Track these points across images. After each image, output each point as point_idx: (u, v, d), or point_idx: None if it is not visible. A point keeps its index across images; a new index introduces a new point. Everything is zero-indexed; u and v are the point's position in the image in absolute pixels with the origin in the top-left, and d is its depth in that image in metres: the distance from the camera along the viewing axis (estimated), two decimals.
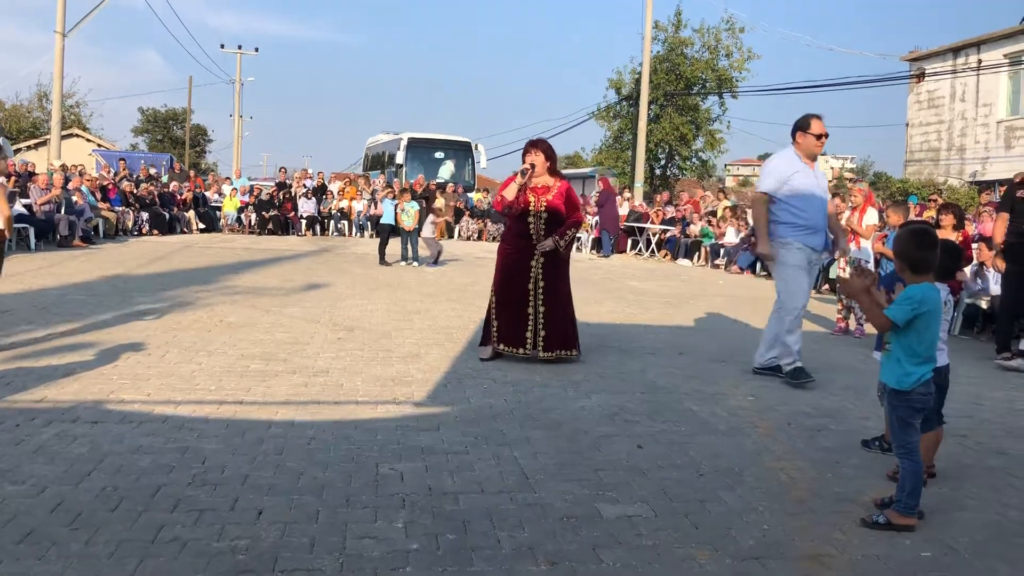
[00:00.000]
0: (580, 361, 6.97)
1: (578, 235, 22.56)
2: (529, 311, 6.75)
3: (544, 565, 3.16)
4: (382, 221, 15.98)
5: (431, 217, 16.10)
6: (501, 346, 6.79)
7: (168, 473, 3.95)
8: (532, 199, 6.78)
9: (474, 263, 16.33)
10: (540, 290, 6.74)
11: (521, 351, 6.75)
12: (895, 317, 3.73)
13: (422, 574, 3.05)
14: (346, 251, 18.24)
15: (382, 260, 15.13)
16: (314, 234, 22.99)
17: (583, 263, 17.99)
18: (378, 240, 15.88)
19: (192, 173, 27.42)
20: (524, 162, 6.86)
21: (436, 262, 15.39)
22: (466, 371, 6.46)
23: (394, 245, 15.80)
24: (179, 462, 4.10)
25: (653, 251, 20.82)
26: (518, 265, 6.77)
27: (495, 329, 6.83)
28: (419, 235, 15.51)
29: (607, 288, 13.12)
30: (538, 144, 6.90)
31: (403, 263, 15.33)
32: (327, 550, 3.21)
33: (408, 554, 3.21)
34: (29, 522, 3.35)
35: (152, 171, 24.26)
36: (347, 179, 27.16)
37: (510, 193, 6.75)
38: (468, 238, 23.75)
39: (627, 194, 24.93)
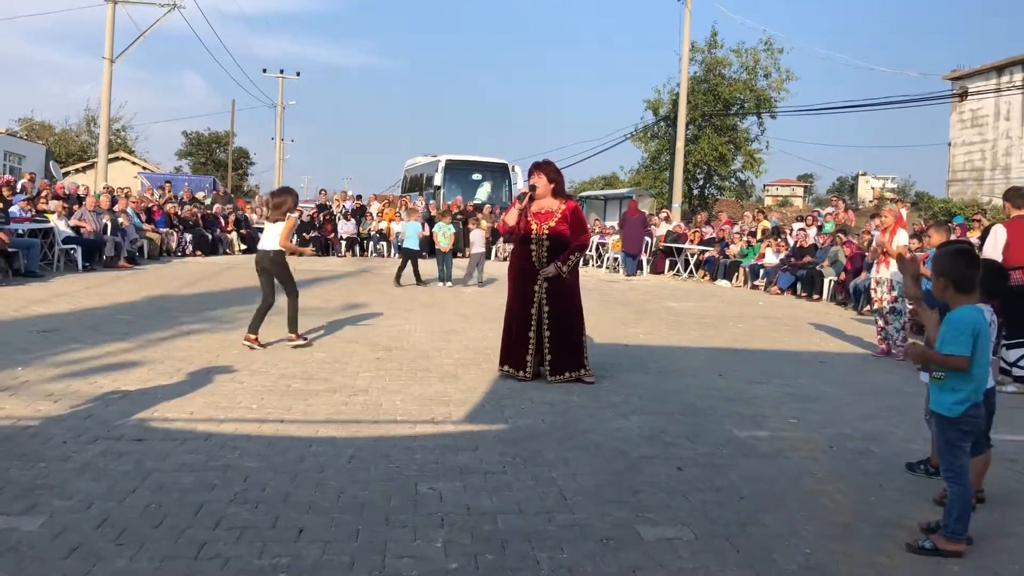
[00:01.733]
0: (609, 379, 6.95)
1: (603, 253, 22.49)
2: (530, 335, 6.72)
3: None
4: (405, 245, 15.86)
5: (480, 235, 16.13)
6: (505, 367, 6.81)
7: (211, 491, 4.00)
8: (534, 225, 6.72)
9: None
10: (545, 315, 6.70)
11: (521, 374, 6.74)
12: (963, 352, 3.62)
13: None
14: (385, 272, 18.37)
15: (418, 279, 15.18)
16: (353, 255, 23.19)
17: (619, 283, 17.93)
18: (410, 262, 15.60)
19: (257, 198, 27.84)
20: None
21: (482, 282, 15.36)
22: (504, 391, 6.46)
23: (428, 266, 15.84)
24: (221, 480, 4.15)
25: (692, 271, 20.70)
26: (521, 290, 6.77)
27: (501, 351, 6.90)
28: (463, 255, 15.58)
29: (644, 309, 13.06)
30: (541, 166, 6.84)
31: (440, 284, 15.35)
32: (367, 568, 3.22)
33: (447, 573, 3.21)
34: (75, 538, 3.41)
35: (200, 195, 24.70)
36: (386, 201, 27.40)
37: (511, 218, 6.73)
38: (505, 259, 23.78)
39: (664, 213, 24.83)
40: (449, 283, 15.51)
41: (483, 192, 28.29)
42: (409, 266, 15.28)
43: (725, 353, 9.00)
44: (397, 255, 21.51)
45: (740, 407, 6.29)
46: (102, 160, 27.38)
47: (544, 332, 6.69)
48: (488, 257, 23.32)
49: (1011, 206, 7.96)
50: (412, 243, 15.63)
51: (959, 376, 3.67)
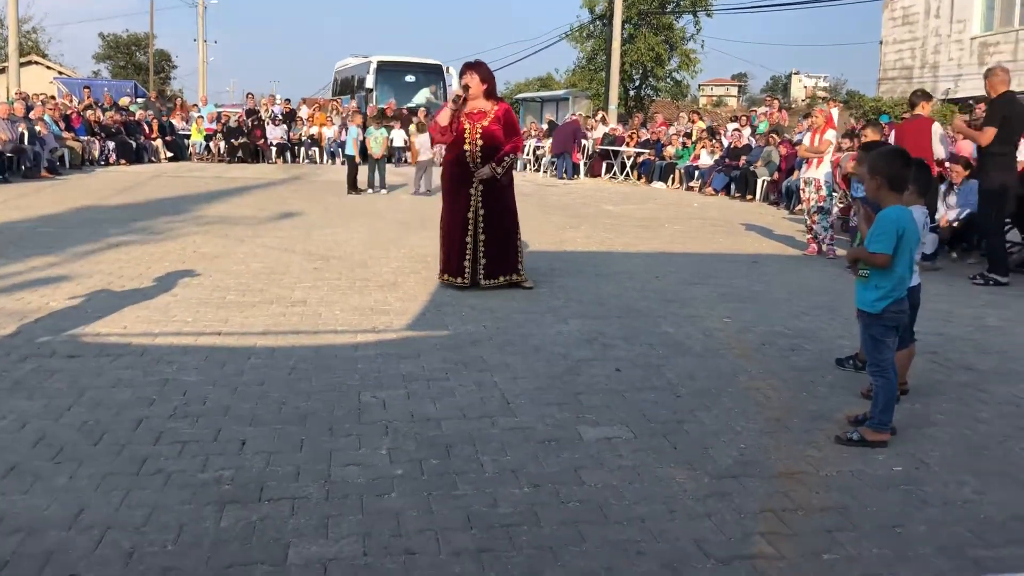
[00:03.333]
0: (548, 284, 7.01)
1: (540, 157, 22.37)
2: (468, 240, 6.65)
3: (527, 487, 3.21)
4: (345, 152, 15.51)
5: (426, 140, 15.62)
6: (445, 276, 6.76)
7: (149, 406, 3.95)
8: (468, 126, 6.57)
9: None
10: (480, 219, 6.63)
11: (460, 280, 6.68)
12: (885, 250, 3.72)
13: (407, 499, 3.09)
14: (318, 179, 18.01)
15: (351, 190, 14.91)
16: (285, 162, 22.62)
17: (556, 187, 17.91)
18: (347, 168, 15.41)
19: (179, 102, 26.73)
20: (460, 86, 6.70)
21: (428, 192, 14.97)
22: (444, 299, 6.46)
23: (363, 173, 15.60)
24: (159, 395, 4.10)
25: (628, 174, 20.74)
26: (455, 194, 6.67)
27: (440, 260, 6.84)
28: (408, 162, 15.20)
29: (582, 213, 13.09)
30: (474, 67, 6.65)
31: (370, 191, 15.13)
32: (312, 478, 3.24)
33: (393, 480, 3.25)
34: (11, 457, 3.35)
35: (125, 101, 23.63)
36: (316, 105, 26.62)
37: (444, 118, 6.57)
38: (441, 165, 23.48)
39: (600, 115, 24.65)
40: (383, 190, 15.27)
41: (418, 95, 27.66)
42: (350, 173, 15.04)
43: (661, 256, 9.11)
44: (344, 161, 21.22)
45: (675, 308, 6.40)
46: (13, 64, 25.91)
47: (479, 236, 6.64)
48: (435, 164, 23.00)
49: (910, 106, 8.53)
50: (349, 148, 15.31)
51: (881, 273, 3.78)
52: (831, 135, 9.54)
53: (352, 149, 15.25)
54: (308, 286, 6.78)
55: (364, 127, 16.70)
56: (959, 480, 3.43)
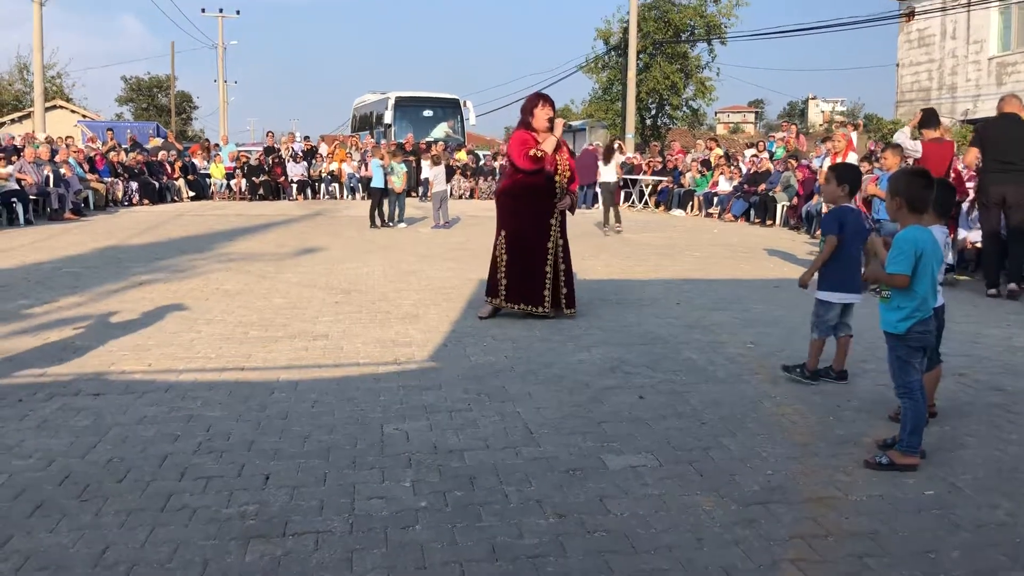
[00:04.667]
0: (578, 315, 7.00)
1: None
2: (547, 269, 6.78)
3: (552, 518, 3.19)
4: (372, 185, 15.76)
5: (440, 172, 15.75)
6: (519, 305, 6.80)
7: (173, 442, 3.96)
8: (558, 158, 6.81)
9: (467, 222, 16.29)
10: (559, 248, 6.82)
11: (540, 309, 6.79)
12: (903, 270, 3.71)
13: (431, 532, 3.07)
14: (339, 214, 18.16)
15: (373, 223, 15.05)
16: (305, 198, 22.85)
17: (574, 217, 17.95)
18: (370, 202, 15.66)
19: (204, 144, 27.07)
20: (534, 116, 6.76)
21: (447, 224, 15.23)
22: (465, 330, 6.47)
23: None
24: (184, 431, 4.12)
25: (646, 203, 20.76)
26: (537, 224, 6.77)
27: (503, 288, 6.83)
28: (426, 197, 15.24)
29: (602, 242, 13.10)
30: (548, 98, 6.90)
31: (390, 225, 15.26)
32: (336, 512, 3.23)
33: (417, 512, 3.23)
34: (38, 495, 3.37)
35: (157, 141, 24.03)
36: (336, 141, 26.93)
37: (550, 146, 6.72)
38: (460, 196, 23.62)
39: (616, 144, 24.71)
40: (403, 224, 15.38)
41: (439, 130, 27.92)
42: (376, 205, 15.24)
43: (682, 283, 9.09)
44: (365, 196, 21.35)
45: (698, 334, 6.37)
46: (38, 109, 26.45)
47: (560, 266, 6.84)
48: (450, 194, 23.12)
49: (926, 129, 8.88)
50: (376, 181, 15.48)
51: (903, 294, 3.75)
52: (852, 159, 9.53)
53: (380, 181, 15.42)
54: (330, 320, 6.81)
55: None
56: (992, 503, 3.37)
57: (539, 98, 6.87)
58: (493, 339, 6.13)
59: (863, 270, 4.28)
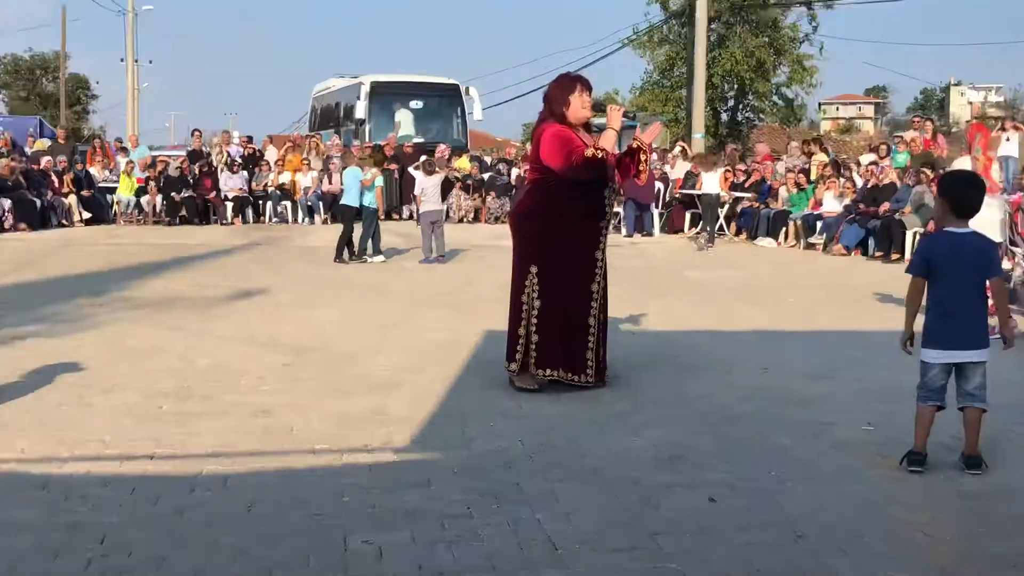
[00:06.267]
0: (613, 379, 7.07)
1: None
2: (591, 322, 6.83)
3: None
4: (343, 201, 15.85)
5: (433, 185, 15.86)
6: (556, 372, 6.80)
7: (54, 559, 3.97)
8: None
9: (471, 254, 16.41)
10: (603, 291, 6.94)
11: (583, 378, 6.80)
12: None
13: None
14: (290, 243, 18.31)
15: (339, 256, 15.21)
16: (245, 221, 23.03)
17: (620, 247, 18.03)
18: (341, 229, 15.68)
19: (99, 143, 27.40)
20: (570, 105, 6.81)
21: (441, 257, 15.33)
22: (465, 403, 6.48)
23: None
24: (67, 543, 4.12)
25: (722, 228, 20.84)
26: (583, 257, 6.85)
27: (535, 347, 6.83)
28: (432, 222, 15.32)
29: (657, 281, 13.15)
30: (587, 83, 6.98)
31: (364, 258, 15.36)
32: None
33: None
34: None
35: (42, 144, 24.37)
36: (288, 144, 27.20)
37: (610, 143, 6.81)
38: (461, 219, 23.79)
39: (679, 148, 24.87)
40: (380, 257, 15.47)
41: (402, 122, 27.92)
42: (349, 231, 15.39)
43: (770, 338, 9.09)
44: (328, 219, 21.49)
45: (793, 412, 6.35)
46: None
47: (599, 317, 6.94)
48: (447, 216, 23.18)
49: None
50: (351, 198, 15.60)
51: None
52: (994, 169, 9.56)
53: (354, 198, 15.56)
54: (275, 389, 6.84)
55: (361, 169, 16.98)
56: None
57: (574, 82, 6.91)
58: (503, 417, 6.13)
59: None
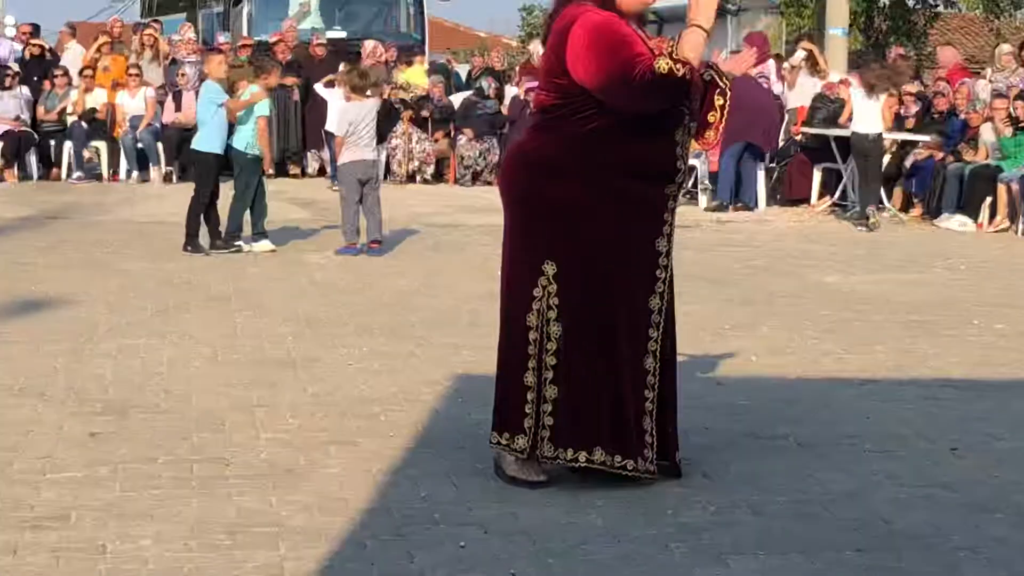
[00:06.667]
0: (698, 468, 7.07)
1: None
2: (649, 364, 6.79)
3: None
4: (196, 145, 15.82)
5: (358, 111, 15.83)
6: (575, 453, 6.74)
7: None
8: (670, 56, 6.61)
9: (428, 237, 16.54)
10: (667, 311, 6.91)
11: (635, 465, 6.76)
12: None
13: None
14: (106, 217, 18.34)
15: (193, 239, 15.30)
16: (26, 176, 23.05)
17: (704, 228, 18.08)
18: (193, 190, 15.86)
19: None
20: None
21: (377, 243, 15.52)
22: (415, 505, 6.52)
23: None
24: None
25: (881, 201, 20.85)
26: (636, 250, 6.80)
27: (550, 409, 6.81)
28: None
29: (764, 290, 13.21)
30: None
31: (235, 244, 15.54)
32: None
33: None
34: None
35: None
36: (104, 37, 27.21)
37: (696, 50, 6.66)
38: (412, 176, 23.82)
39: (800, 54, 24.84)
40: (265, 242, 15.43)
41: (354, 11, 28.09)
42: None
43: (961, 391, 9.15)
44: (177, 173, 21.58)
45: (1006, 525, 6.35)
46: None
47: (662, 354, 6.91)
48: (386, 173, 23.13)
49: None
50: (210, 137, 15.69)
51: None
52: None
53: (215, 136, 15.67)
54: (74, 481, 6.84)
55: (232, 87, 16.94)
56: None
57: None
58: (484, 532, 6.13)
59: None
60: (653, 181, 6.75)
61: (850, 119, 19.84)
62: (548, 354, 6.68)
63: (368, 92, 16.29)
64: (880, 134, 17.82)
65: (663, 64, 6.30)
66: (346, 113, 15.97)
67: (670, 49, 6.45)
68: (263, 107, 15.91)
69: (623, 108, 6.48)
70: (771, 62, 24.10)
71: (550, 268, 6.68)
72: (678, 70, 6.33)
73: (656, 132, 6.69)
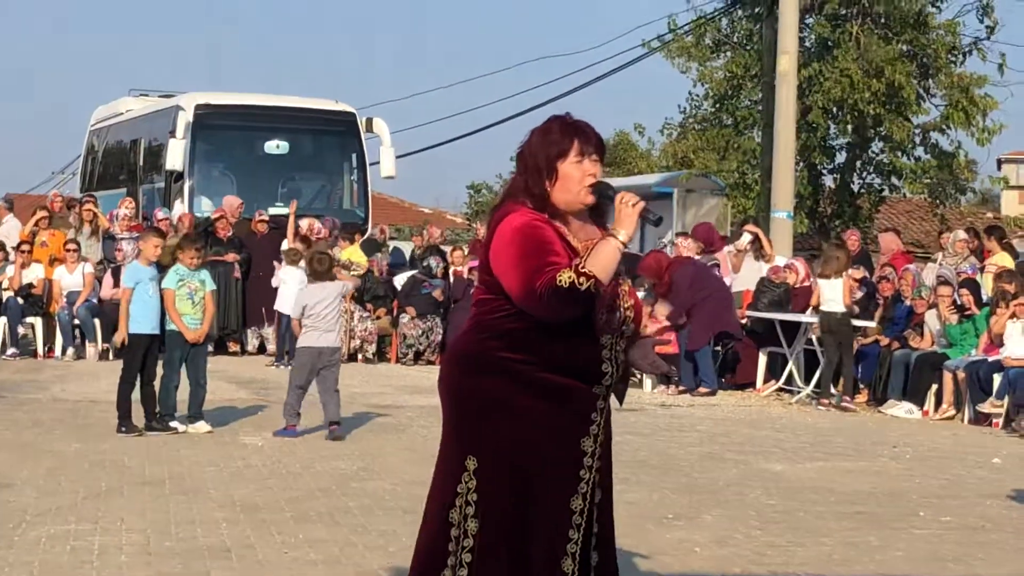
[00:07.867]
0: None
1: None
2: (566, 567, 6.58)
3: None
4: (133, 330, 15.72)
5: (340, 287, 15.78)
6: None
7: None
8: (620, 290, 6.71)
9: (367, 419, 16.45)
10: (595, 507, 6.73)
11: None
12: None
13: None
14: (39, 395, 18.25)
15: (126, 420, 15.16)
16: None
17: (648, 412, 18.08)
18: (121, 366, 15.84)
19: None
20: (559, 175, 6.70)
21: (336, 425, 15.36)
22: None
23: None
24: None
25: (818, 385, 20.93)
26: (558, 449, 6.69)
27: None
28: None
29: (708, 480, 13.19)
30: (592, 133, 6.80)
31: (169, 424, 15.43)
32: None
33: None
34: None
35: None
36: (42, 212, 27.23)
37: (606, 263, 6.58)
38: (353, 354, 23.82)
39: (746, 234, 24.96)
40: (201, 423, 15.39)
41: (297, 186, 28.15)
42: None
43: None
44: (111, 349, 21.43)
45: None
46: None
47: (582, 556, 6.70)
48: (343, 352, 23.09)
49: None
50: (143, 317, 15.62)
51: None
52: None
53: (149, 316, 15.64)
54: None
55: (163, 265, 16.93)
56: None
57: (570, 135, 6.73)
58: None
59: None
60: (579, 380, 6.78)
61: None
62: (464, 551, 6.65)
63: (329, 273, 16.32)
64: (846, 313, 17.93)
65: (565, 278, 6.24)
66: (309, 296, 15.95)
67: (583, 254, 6.47)
68: (203, 278, 15.95)
69: (532, 313, 6.50)
70: (726, 248, 24.35)
71: (472, 463, 6.66)
72: (581, 284, 6.24)
73: (578, 334, 6.70)
